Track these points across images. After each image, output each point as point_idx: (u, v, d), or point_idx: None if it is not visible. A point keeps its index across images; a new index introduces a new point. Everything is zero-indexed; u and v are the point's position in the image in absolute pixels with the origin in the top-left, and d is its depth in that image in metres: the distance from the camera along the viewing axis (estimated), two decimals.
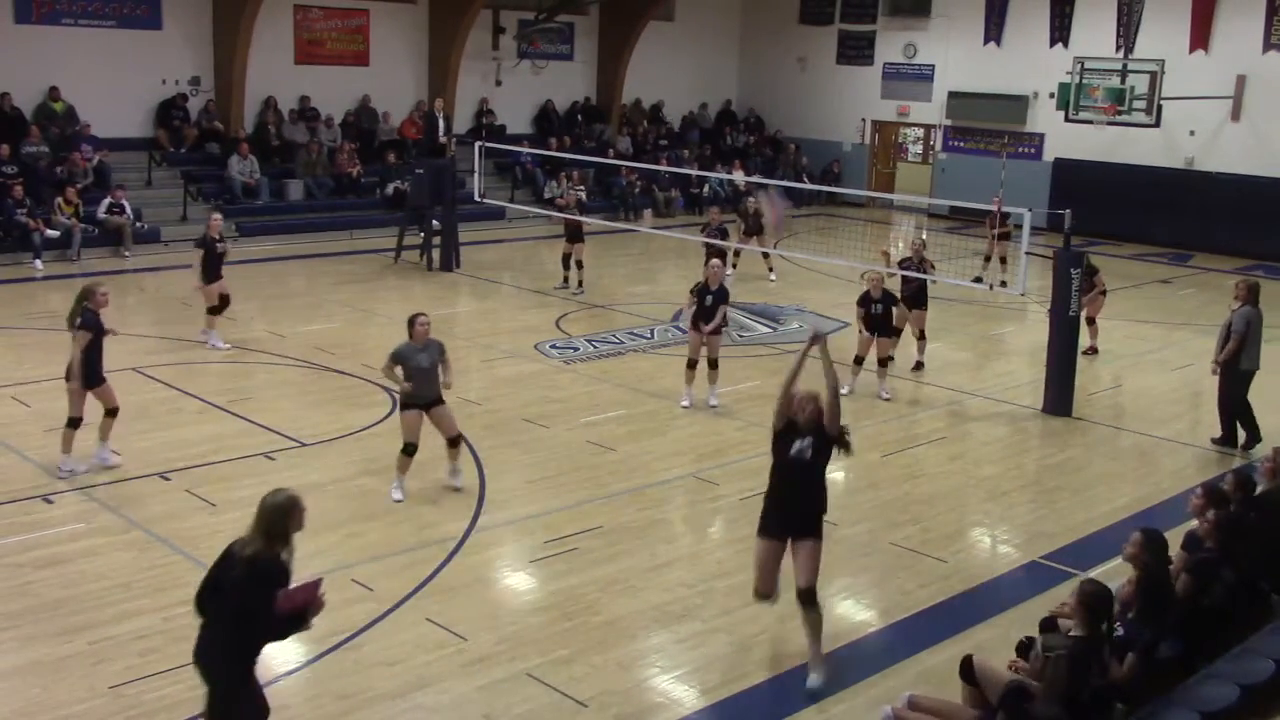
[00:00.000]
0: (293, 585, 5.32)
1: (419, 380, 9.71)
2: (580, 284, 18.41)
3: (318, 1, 24.36)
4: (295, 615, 5.31)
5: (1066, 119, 26.30)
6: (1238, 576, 6.82)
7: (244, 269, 17.72)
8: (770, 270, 19.95)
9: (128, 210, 20.06)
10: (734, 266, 19.27)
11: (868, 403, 13.14)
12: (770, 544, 7.28)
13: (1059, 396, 12.97)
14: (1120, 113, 25.00)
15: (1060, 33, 26.55)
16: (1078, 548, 9.44)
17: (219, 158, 22.62)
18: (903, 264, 14.49)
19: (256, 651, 5.40)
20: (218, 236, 14.43)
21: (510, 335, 15.68)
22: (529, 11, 27.16)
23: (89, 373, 10.02)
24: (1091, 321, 15.28)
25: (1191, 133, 25.05)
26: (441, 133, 20.37)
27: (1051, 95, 26.78)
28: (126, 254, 19.71)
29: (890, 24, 29.58)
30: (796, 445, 7.14)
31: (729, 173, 28.06)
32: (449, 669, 7.23)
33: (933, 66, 28.94)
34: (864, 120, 30.46)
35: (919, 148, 30.23)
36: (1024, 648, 6.64)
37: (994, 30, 27.62)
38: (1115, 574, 6.97)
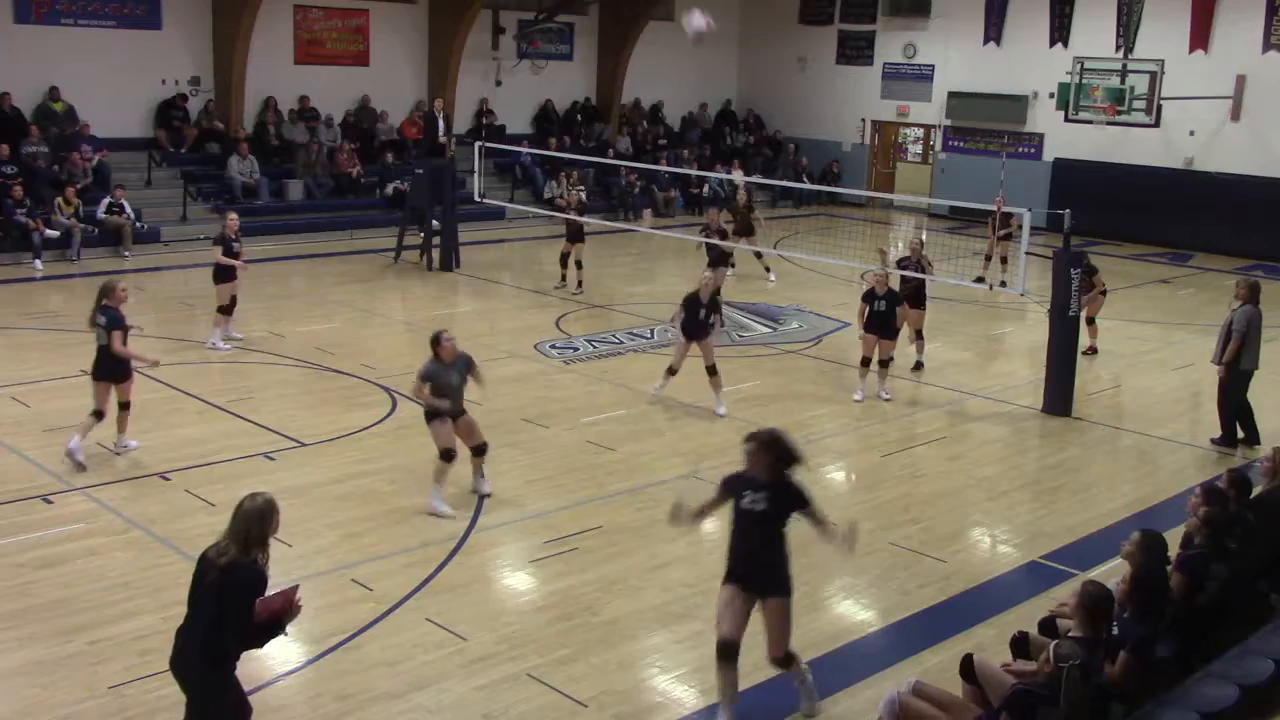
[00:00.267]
0: (269, 592, 5.30)
1: (452, 397, 9.62)
2: (580, 284, 18.42)
3: (318, 1, 24.36)
4: (272, 622, 5.29)
5: (1066, 119, 26.37)
6: (1230, 571, 6.81)
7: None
8: (768, 270, 19.93)
9: (128, 210, 20.07)
10: (732, 265, 19.28)
11: (868, 403, 13.15)
12: (733, 589, 6.64)
13: (1059, 396, 12.97)
14: (1120, 113, 25.06)
15: (1060, 33, 26.57)
16: (1077, 548, 9.45)
17: (219, 158, 22.62)
18: (901, 263, 14.49)
19: (234, 658, 5.36)
20: (234, 236, 14.51)
21: (510, 335, 15.68)
22: (529, 11, 27.16)
23: (117, 367, 10.37)
24: (1091, 322, 15.29)
25: (1191, 133, 25.06)
26: (441, 133, 20.37)
27: (1051, 95, 26.83)
28: (126, 254, 19.71)
29: (890, 24, 29.58)
30: (748, 496, 6.62)
31: (728, 173, 28.07)
32: (449, 669, 7.24)
33: (932, 66, 28.94)
34: (864, 120, 30.47)
35: (919, 148, 30.24)
36: (1018, 643, 6.63)
37: (994, 30, 27.64)
38: (1115, 574, 6.96)
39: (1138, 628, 6.07)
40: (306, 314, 16.51)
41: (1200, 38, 24.63)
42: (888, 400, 13.15)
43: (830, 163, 30.22)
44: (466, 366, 9.74)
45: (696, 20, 13.43)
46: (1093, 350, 15.45)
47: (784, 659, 6.80)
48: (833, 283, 19.72)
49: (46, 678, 6.97)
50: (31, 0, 20.89)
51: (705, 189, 27.59)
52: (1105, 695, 5.90)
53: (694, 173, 25.82)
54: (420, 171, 20.03)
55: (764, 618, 6.70)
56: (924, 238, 15.10)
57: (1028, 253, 13.42)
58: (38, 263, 18.70)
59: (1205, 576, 6.73)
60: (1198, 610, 6.71)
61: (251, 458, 10.72)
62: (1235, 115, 24.47)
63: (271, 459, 10.71)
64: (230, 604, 5.22)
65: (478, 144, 20.74)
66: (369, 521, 9.42)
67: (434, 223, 19.90)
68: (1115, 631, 6.13)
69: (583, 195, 20.48)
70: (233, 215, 15.13)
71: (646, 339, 15.75)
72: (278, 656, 7.30)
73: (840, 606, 8.47)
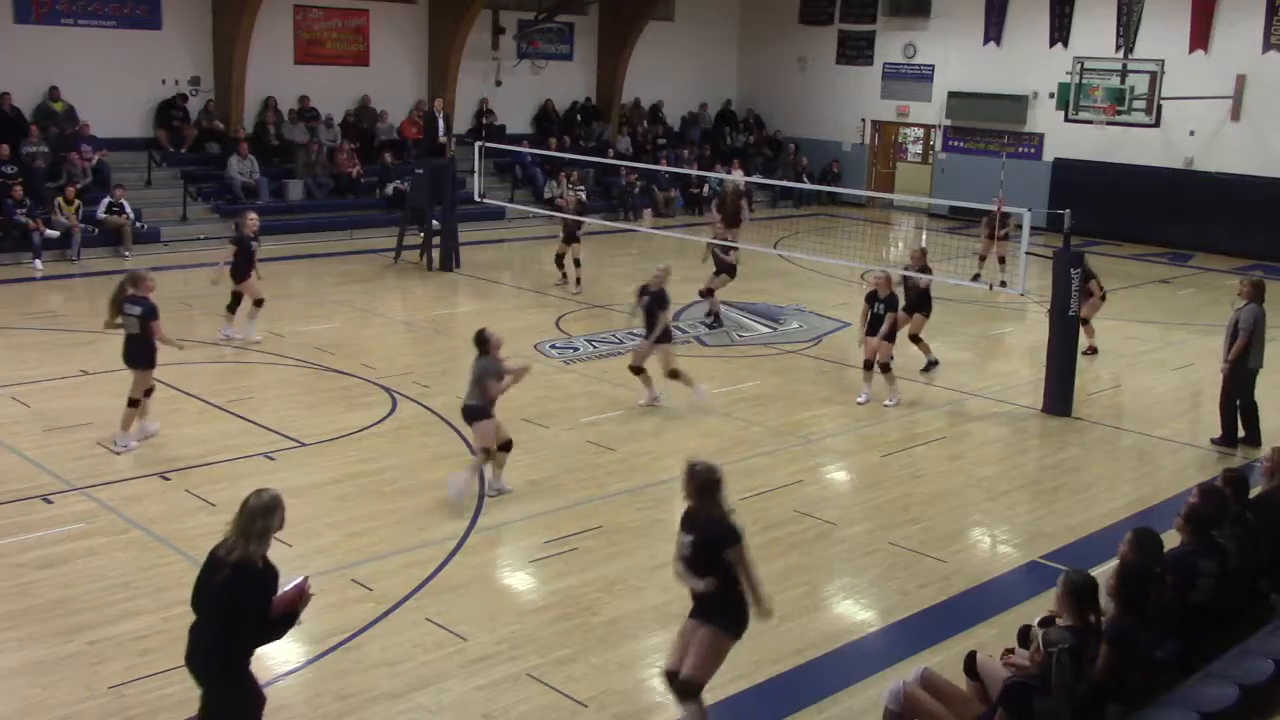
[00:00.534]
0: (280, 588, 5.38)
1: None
2: (578, 281, 18.46)
3: (317, 1, 24.36)
4: (287, 613, 5.38)
5: (1066, 119, 26.37)
6: (1220, 567, 6.82)
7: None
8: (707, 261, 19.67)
9: (127, 210, 20.07)
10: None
11: (870, 404, 13.13)
12: (687, 620, 6.47)
13: (1059, 396, 12.97)
14: (1120, 113, 25.06)
15: (1060, 33, 26.57)
16: (1077, 548, 9.44)
17: (219, 158, 22.62)
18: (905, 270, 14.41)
19: (249, 652, 5.44)
20: (252, 235, 14.62)
21: (510, 335, 15.49)
22: (529, 11, 27.16)
23: (145, 355, 10.65)
24: (1085, 322, 15.27)
25: (1191, 133, 25.06)
26: (441, 133, 20.39)
27: (1051, 95, 26.83)
28: (126, 254, 19.70)
29: (890, 24, 29.58)
30: (680, 538, 6.40)
31: (728, 172, 28.08)
32: (449, 669, 7.24)
33: (932, 66, 28.94)
34: (864, 120, 30.46)
35: (919, 148, 30.24)
36: (1023, 634, 6.64)
37: (994, 30, 27.64)
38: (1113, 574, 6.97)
39: (1125, 620, 6.06)
40: (306, 314, 16.51)
41: (1200, 38, 24.63)
42: (889, 406, 13.05)
43: (830, 163, 30.22)
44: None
45: None
46: (1092, 350, 15.43)
47: (685, 687, 6.28)
48: (833, 283, 19.72)
49: (46, 678, 6.97)
50: (31, 0, 20.89)
51: (705, 189, 27.58)
52: (1098, 694, 5.91)
53: (694, 173, 25.82)
54: (420, 171, 20.03)
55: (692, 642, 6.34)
56: (924, 245, 15.09)
57: (1028, 253, 13.41)
58: (38, 263, 18.70)
59: (1195, 573, 6.73)
60: (1194, 608, 6.71)
61: (251, 457, 10.72)
62: (1235, 115, 24.47)
63: (272, 459, 10.71)
64: (246, 600, 5.28)
65: (478, 144, 20.75)
66: (369, 521, 9.42)
67: (434, 223, 19.91)
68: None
69: (582, 195, 20.51)
70: (253, 215, 15.21)
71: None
72: (278, 656, 7.30)
73: (840, 606, 8.47)
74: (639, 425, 12.17)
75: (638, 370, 12.72)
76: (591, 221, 20.13)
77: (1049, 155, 27.17)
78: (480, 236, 22.36)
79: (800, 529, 9.65)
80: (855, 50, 30.26)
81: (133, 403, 10.73)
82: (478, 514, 9.66)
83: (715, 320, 16.67)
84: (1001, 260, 19.86)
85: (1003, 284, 16.81)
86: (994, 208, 19.12)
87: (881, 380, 13.17)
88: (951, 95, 28.46)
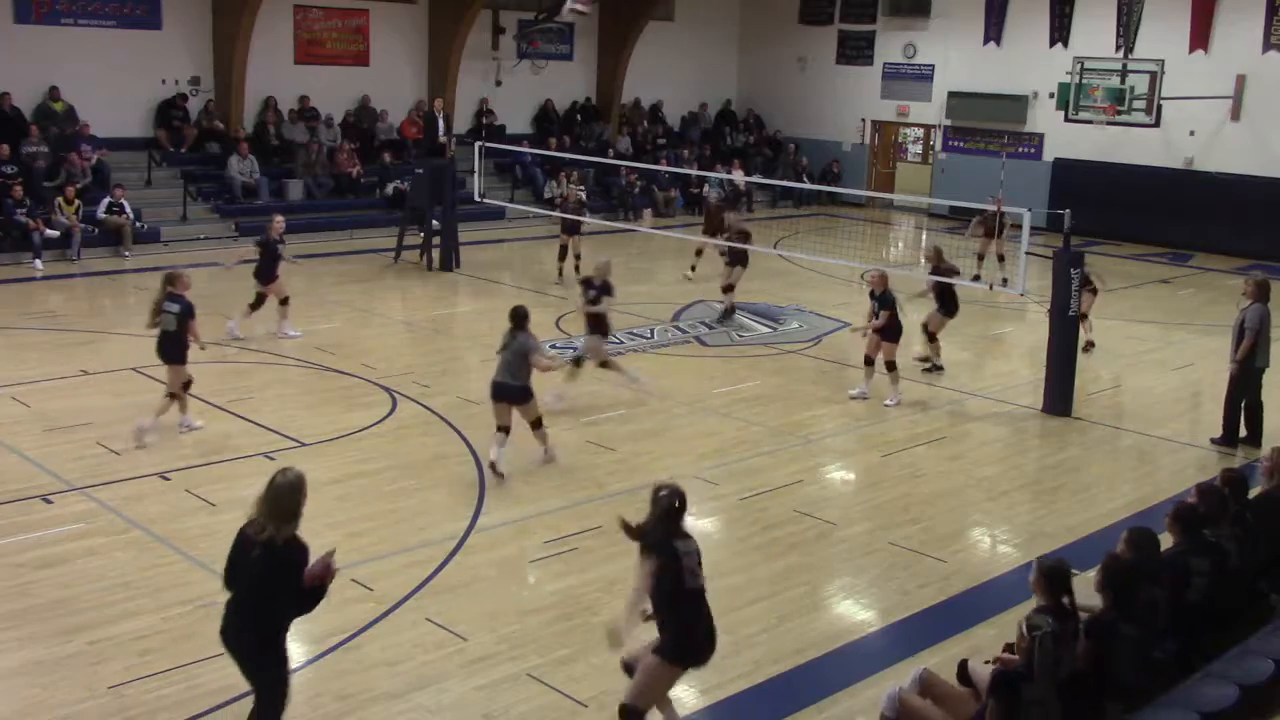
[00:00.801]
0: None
1: None
2: (577, 269, 18.86)
3: (317, 1, 24.36)
4: (315, 587, 5.57)
5: (1066, 119, 26.37)
6: (1212, 565, 6.82)
7: (244, 269, 17.69)
8: (693, 269, 19.73)
9: (127, 210, 20.06)
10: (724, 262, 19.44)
11: (869, 403, 13.14)
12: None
13: (1059, 396, 12.97)
14: (1120, 113, 25.05)
15: (1060, 33, 26.57)
16: (1077, 548, 9.43)
17: (219, 157, 22.61)
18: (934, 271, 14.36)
19: (285, 627, 5.68)
20: (278, 238, 14.82)
21: None
22: (529, 11, 27.14)
23: (177, 350, 10.95)
24: (1084, 317, 15.24)
25: (1191, 133, 25.06)
26: (441, 133, 20.39)
27: (1051, 95, 26.82)
28: (126, 254, 19.71)
29: (890, 24, 29.57)
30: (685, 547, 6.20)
31: (728, 172, 28.07)
32: (449, 669, 7.24)
33: (932, 66, 28.94)
34: (864, 120, 30.46)
35: (919, 148, 30.23)
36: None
37: (994, 30, 27.63)
38: None
39: (1109, 613, 6.09)
40: (306, 314, 16.48)
41: (1200, 38, 24.63)
42: (889, 406, 13.05)
43: (830, 163, 30.22)
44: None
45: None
46: (1090, 345, 15.38)
47: (620, 710, 6.13)
48: (833, 283, 19.72)
49: (46, 678, 6.97)
50: (31, 0, 20.89)
51: (705, 189, 27.54)
52: (1081, 685, 5.93)
53: (694, 172, 25.81)
54: (420, 171, 20.03)
55: None
56: (936, 246, 15.06)
57: (1028, 253, 13.41)
58: (38, 263, 18.70)
59: (1188, 573, 6.74)
60: (1191, 607, 6.71)
61: (251, 457, 10.72)
62: (1235, 115, 24.46)
63: (271, 459, 10.70)
64: (278, 576, 5.49)
65: (478, 144, 20.75)
66: (369, 521, 9.42)
67: (434, 223, 19.91)
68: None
69: (582, 195, 20.55)
70: (279, 218, 15.41)
71: (647, 339, 15.76)
72: None
73: (840, 606, 8.47)
74: (639, 425, 12.17)
75: (605, 364, 12.97)
76: (591, 221, 20.15)
77: (1049, 155, 27.17)
78: (480, 236, 22.36)
79: (800, 529, 9.65)
80: (855, 50, 30.26)
81: (172, 395, 11.09)
82: (477, 514, 9.66)
83: (727, 314, 16.87)
84: (1001, 259, 19.86)
85: (1004, 281, 16.81)
86: (992, 207, 19.15)
87: (881, 380, 13.17)
88: (951, 95, 28.46)
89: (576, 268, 18.90)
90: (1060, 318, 12.86)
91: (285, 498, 5.55)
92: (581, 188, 21.61)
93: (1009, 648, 6.51)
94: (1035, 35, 26.88)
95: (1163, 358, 16.05)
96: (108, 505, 9.51)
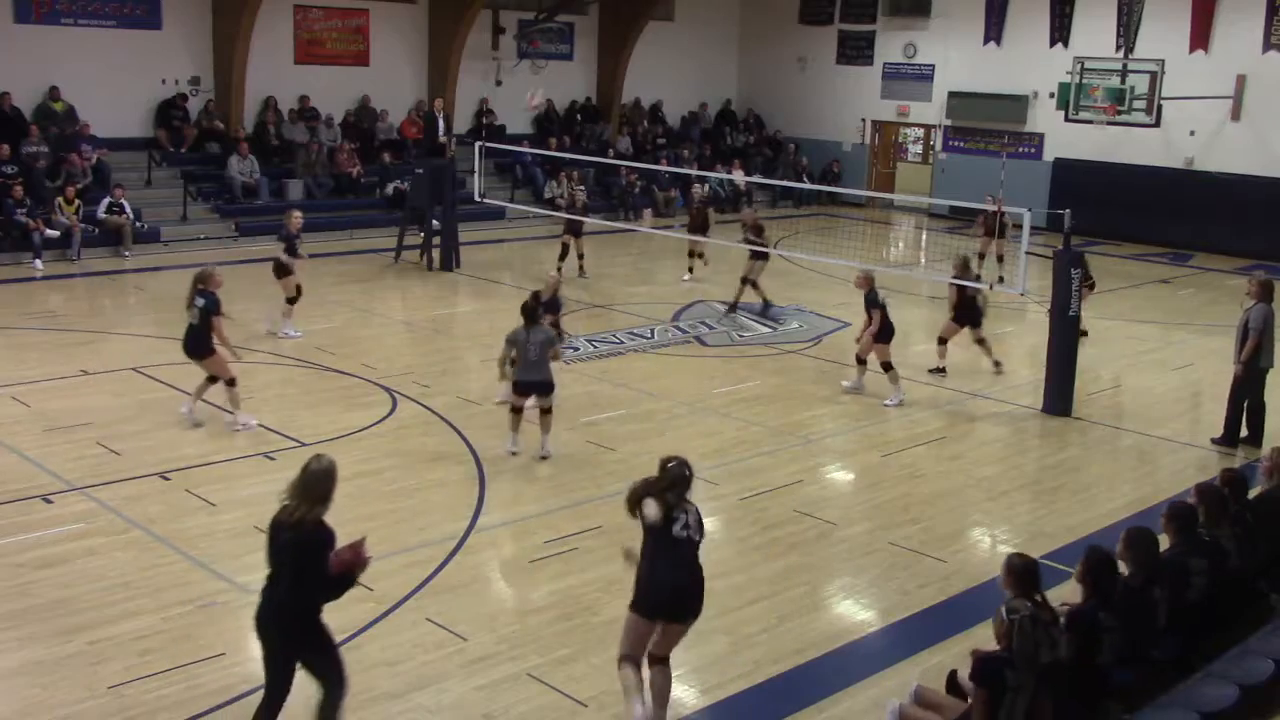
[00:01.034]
0: (339, 546, 5.75)
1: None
2: (581, 268, 19.16)
3: (317, 1, 24.36)
4: (344, 574, 5.75)
5: (1066, 119, 26.36)
6: (1210, 563, 6.82)
7: (243, 269, 17.71)
8: (690, 270, 19.74)
9: (127, 210, 20.06)
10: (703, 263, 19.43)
11: (868, 403, 13.14)
12: None
13: (1059, 396, 12.97)
14: (1120, 112, 25.05)
15: (1060, 32, 26.57)
16: (1077, 548, 9.33)
17: (219, 157, 22.62)
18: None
19: (318, 609, 5.85)
20: (296, 233, 15.03)
21: None
22: (529, 11, 27.15)
23: (202, 345, 11.16)
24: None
25: (1191, 133, 25.05)
26: (441, 133, 20.40)
27: (1051, 95, 26.82)
28: (126, 254, 19.71)
29: (890, 24, 29.57)
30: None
31: (728, 172, 28.09)
32: (449, 669, 7.24)
33: (932, 66, 28.94)
34: (864, 120, 30.46)
35: (919, 148, 30.23)
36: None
37: (994, 30, 27.63)
38: None
39: (1091, 605, 6.14)
40: (306, 314, 16.45)
41: (1200, 38, 24.63)
42: (889, 406, 13.04)
43: (830, 163, 30.22)
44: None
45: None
46: (1082, 334, 15.28)
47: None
48: (832, 283, 19.69)
49: (46, 678, 6.97)
50: (31, 0, 20.89)
51: (706, 188, 27.52)
52: (1090, 691, 5.94)
53: (694, 172, 25.73)
54: (420, 171, 20.03)
55: None
56: (965, 255, 15.06)
57: (1028, 253, 13.40)
58: (38, 263, 18.70)
59: (1186, 573, 6.74)
60: (1190, 607, 6.72)
61: (251, 457, 10.72)
62: (1235, 115, 24.46)
63: (272, 459, 10.71)
64: (306, 561, 5.68)
65: (478, 144, 20.75)
66: (369, 521, 9.37)
67: (434, 223, 19.92)
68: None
69: (582, 195, 20.60)
70: (297, 213, 15.54)
71: (647, 339, 15.76)
72: None
73: (840, 606, 8.47)
74: (639, 425, 12.17)
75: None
76: (592, 221, 20.17)
77: (1049, 155, 27.17)
78: (480, 236, 22.36)
79: (800, 529, 9.65)
80: (855, 50, 30.26)
81: (230, 381, 11.32)
82: (477, 514, 9.66)
83: (765, 309, 17.20)
84: (1000, 259, 19.85)
85: (1000, 280, 16.80)
86: (991, 207, 19.16)
87: (880, 379, 13.17)
88: (952, 95, 28.46)
89: (580, 268, 19.13)
90: (1060, 318, 12.86)
91: (318, 483, 5.76)
92: (581, 188, 21.64)
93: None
94: (1035, 35, 26.88)
95: (1163, 358, 16.04)
96: (108, 505, 9.50)
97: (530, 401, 10.93)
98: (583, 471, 10.72)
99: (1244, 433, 12.11)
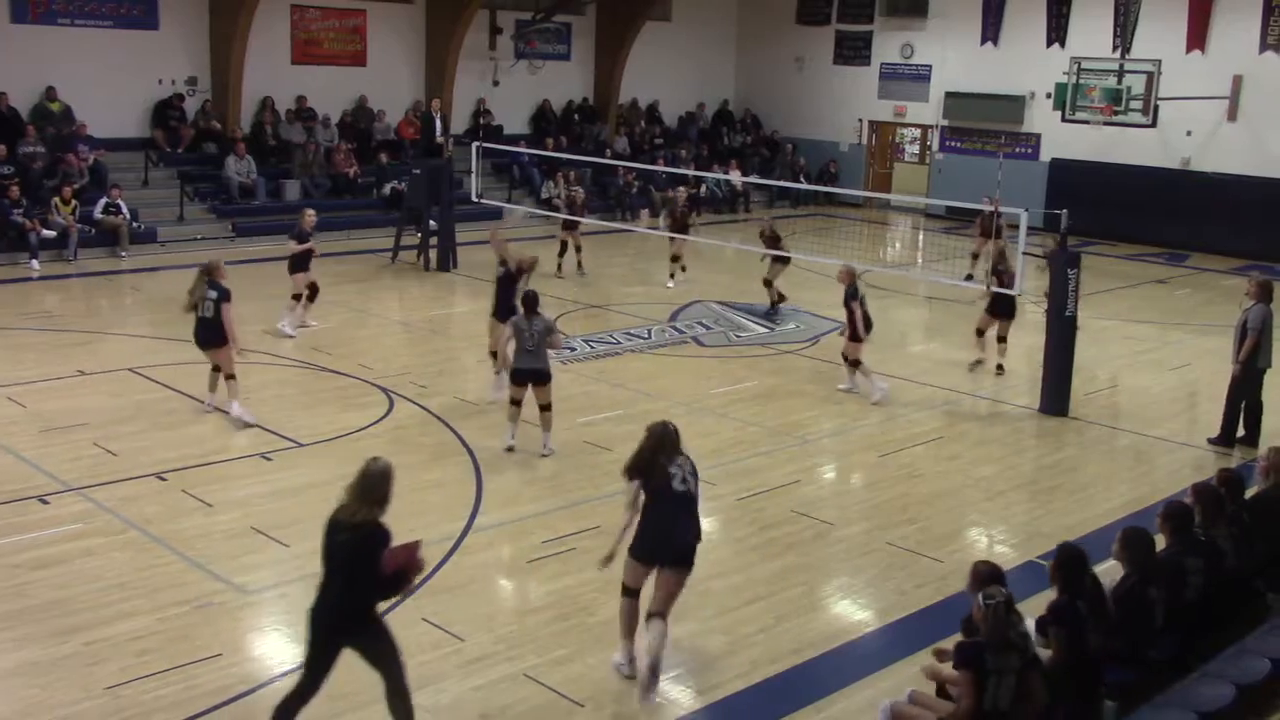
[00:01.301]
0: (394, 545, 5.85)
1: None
2: (579, 264, 19.28)
3: (315, 1, 24.34)
4: (398, 575, 5.84)
5: (1063, 119, 26.35)
6: (1205, 563, 6.83)
7: (242, 269, 17.68)
8: (672, 276, 19.52)
9: (124, 210, 20.04)
10: (682, 269, 19.43)
11: (866, 403, 13.13)
12: None
13: (1056, 396, 12.98)
14: (1117, 113, 25.06)
15: (1057, 33, 26.58)
16: None
17: (216, 158, 22.59)
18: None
19: (372, 606, 5.98)
20: (309, 230, 15.26)
21: None
22: (526, 12, 27.15)
23: (215, 335, 11.33)
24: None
25: (1188, 133, 25.07)
26: (438, 133, 20.40)
27: (1048, 95, 26.80)
28: (123, 254, 19.68)
29: (887, 24, 29.59)
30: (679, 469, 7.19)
31: (726, 173, 28.09)
32: (446, 669, 7.24)
33: (930, 67, 28.95)
34: (861, 120, 30.46)
35: (916, 148, 30.24)
36: None
37: (991, 30, 27.64)
38: (1109, 574, 6.97)
39: (1066, 599, 6.26)
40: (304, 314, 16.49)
41: (1197, 38, 24.64)
42: (877, 403, 13.06)
43: (827, 163, 30.23)
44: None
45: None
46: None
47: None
48: (829, 283, 19.59)
49: (43, 679, 6.96)
50: (28, 0, 20.87)
51: (703, 189, 27.56)
52: (1086, 689, 5.95)
53: (691, 173, 25.80)
54: (417, 171, 20.03)
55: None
56: (1004, 249, 15.00)
57: (1025, 253, 13.41)
58: (34, 263, 18.67)
59: (1183, 572, 6.75)
60: (1187, 607, 6.72)
61: (249, 458, 10.71)
62: (1232, 115, 24.48)
63: (269, 459, 10.70)
64: (361, 561, 5.80)
65: (475, 144, 20.74)
66: None
67: (431, 223, 19.91)
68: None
69: (580, 195, 20.61)
70: (311, 211, 15.74)
71: (644, 339, 15.76)
72: (276, 656, 7.32)
73: (837, 606, 8.47)
74: (637, 425, 12.05)
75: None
76: (588, 221, 20.17)
77: (1046, 155, 27.19)
78: (478, 237, 22.19)
79: (797, 529, 9.66)
80: (852, 50, 30.27)
81: (229, 375, 11.46)
82: (474, 515, 9.66)
83: (775, 308, 17.32)
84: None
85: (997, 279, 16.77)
86: (988, 208, 19.14)
87: (864, 378, 13.24)
88: (949, 95, 28.48)
89: (579, 263, 19.30)
90: (1057, 318, 12.87)
91: (377, 484, 5.89)
92: (578, 188, 21.65)
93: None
94: (1032, 35, 26.89)
95: (1159, 358, 16.06)
96: (104, 506, 9.49)
97: (527, 392, 10.91)
98: (580, 472, 10.72)
99: (1241, 433, 12.12)
